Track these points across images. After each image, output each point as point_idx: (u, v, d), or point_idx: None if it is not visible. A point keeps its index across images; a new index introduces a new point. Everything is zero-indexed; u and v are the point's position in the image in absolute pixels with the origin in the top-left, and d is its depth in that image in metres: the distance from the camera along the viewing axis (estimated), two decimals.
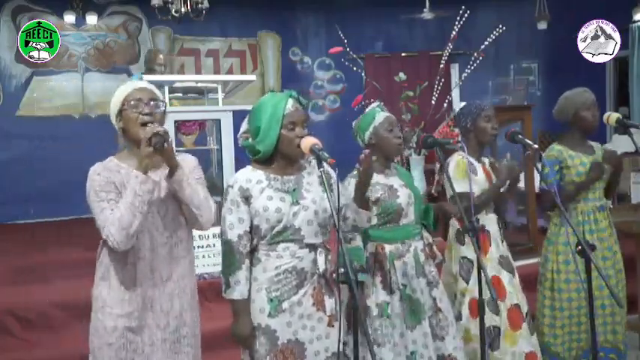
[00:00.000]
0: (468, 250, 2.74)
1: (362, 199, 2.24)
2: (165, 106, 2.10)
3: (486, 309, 2.42)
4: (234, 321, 2.08)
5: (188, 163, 2.12)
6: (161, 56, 4.94)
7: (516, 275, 2.85)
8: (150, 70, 4.91)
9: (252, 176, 2.09)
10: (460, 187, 2.61)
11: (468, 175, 2.66)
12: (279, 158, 2.11)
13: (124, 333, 1.98)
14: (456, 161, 2.75)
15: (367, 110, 2.60)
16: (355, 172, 2.46)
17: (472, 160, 2.80)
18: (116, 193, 1.95)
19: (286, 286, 2.06)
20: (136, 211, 1.88)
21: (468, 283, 2.74)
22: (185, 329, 2.09)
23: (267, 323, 2.05)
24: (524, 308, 2.80)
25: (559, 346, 2.99)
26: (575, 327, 2.95)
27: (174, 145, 2.31)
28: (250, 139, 2.13)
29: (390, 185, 2.49)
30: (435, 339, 2.47)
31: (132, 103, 1.98)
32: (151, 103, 2.00)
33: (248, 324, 2.05)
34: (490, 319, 2.63)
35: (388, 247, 2.47)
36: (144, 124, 1.95)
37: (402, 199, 2.48)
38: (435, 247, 2.61)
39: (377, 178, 2.47)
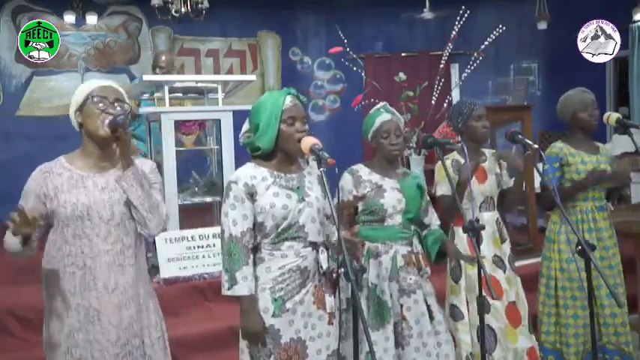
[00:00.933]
0: (458, 247, 2.74)
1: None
2: (131, 109, 2.04)
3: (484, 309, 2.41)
4: (244, 318, 2.04)
5: (146, 166, 2.06)
6: (163, 58, 4.94)
7: (517, 277, 2.86)
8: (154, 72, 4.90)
9: (256, 173, 2.09)
10: (440, 190, 2.77)
11: (446, 177, 2.66)
12: (279, 155, 2.11)
13: (70, 349, 1.88)
14: (437, 166, 2.83)
15: (372, 111, 2.61)
16: (351, 168, 2.52)
17: (461, 160, 2.80)
18: (33, 205, 1.86)
19: (290, 285, 2.06)
20: (16, 254, 1.83)
21: (457, 281, 2.76)
22: (136, 340, 1.96)
23: (270, 323, 2.04)
24: (524, 306, 2.80)
25: (564, 346, 2.99)
26: (581, 329, 2.94)
27: (136, 143, 2.21)
28: (251, 137, 2.13)
29: (380, 185, 2.50)
30: (397, 346, 2.45)
31: (95, 99, 1.92)
32: (116, 103, 1.94)
33: (259, 320, 2.02)
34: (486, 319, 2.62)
35: (368, 245, 2.48)
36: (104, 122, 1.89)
37: (386, 201, 2.47)
38: (421, 258, 2.56)
39: (372, 176, 2.52)
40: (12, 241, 1.80)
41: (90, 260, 1.89)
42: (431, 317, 2.52)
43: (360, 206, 2.49)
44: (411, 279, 2.49)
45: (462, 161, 2.80)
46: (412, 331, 2.45)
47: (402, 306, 2.47)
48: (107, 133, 1.88)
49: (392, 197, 2.49)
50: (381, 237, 2.49)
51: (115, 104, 1.94)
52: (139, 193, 1.91)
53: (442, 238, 2.61)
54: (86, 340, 1.88)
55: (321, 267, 2.10)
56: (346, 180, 2.51)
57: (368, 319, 2.43)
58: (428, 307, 2.52)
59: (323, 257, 2.11)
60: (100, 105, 1.91)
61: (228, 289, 2.02)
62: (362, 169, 2.55)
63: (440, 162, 2.65)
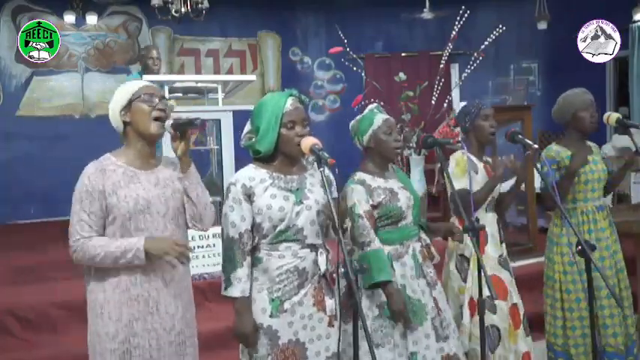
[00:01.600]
0: (465, 248, 2.76)
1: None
2: (172, 108, 2.13)
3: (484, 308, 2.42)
4: (236, 319, 2.05)
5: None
6: (154, 51, 4.94)
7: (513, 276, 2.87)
8: (145, 66, 4.89)
9: (255, 174, 2.09)
10: (459, 184, 2.66)
11: (467, 172, 2.68)
12: (280, 157, 2.11)
13: (127, 338, 1.94)
14: (457, 159, 2.77)
15: (365, 112, 2.57)
16: (355, 178, 2.48)
17: (473, 158, 2.81)
18: (99, 205, 1.91)
19: (288, 286, 2.05)
20: (110, 263, 1.90)
21: (465, 281, 2.75)
22: (188, 330, 2.08)
23: (268, 324, 2.04)
24: (522, 309, 2.81)
25: (572, 348, 2.98)
26: (588, 329, 2.92)
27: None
28: (252, 139, 2.13)
29: (391, 189, 2.47)
30: (438, 340, 2.45)
31: (144, 97, 1.98)
32: (163, 100, 2.02)
33: (250, 322, 2.03)
34: (490, 318, 2.63)
35: (387, 249, 2.46)
36: (157, 119, 1.97)
37: (402, 202, 2.46)
38: (432, 248, 2.59)
39: (377, 182, 2.47)
40: (122, 256, 1.89)
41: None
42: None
43: (376, 214, 2.44)
44: (431, 272, 2.54)
45: (473, 159, 2.80)
46: (448, 320, 2.51)
47: (435, 299, 2.49)
48: (165, 131, 1.96)
49: (404, 197, 2.48)
50: (397, 239, 2.47)
51: (163, 100, 2.01)
52: (198, 191, 2.02)
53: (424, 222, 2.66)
54: (145, 329, 1.95)
55: (319, 269, 2.10)
56: (359, 192, 2.43)
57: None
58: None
59: (322, 259, 2.10)
60: (149, 102, 1.97)
61: (224, 289, 2.05)
62: (366, 177, 2.48)
63: (460, 156, 2.68)
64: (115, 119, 2.02)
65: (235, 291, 2.02)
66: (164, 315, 1.99)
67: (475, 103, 2.84)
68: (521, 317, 2.76)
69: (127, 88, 2.01)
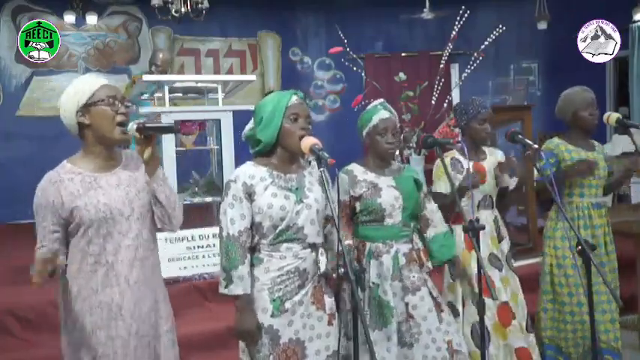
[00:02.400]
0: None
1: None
2: (133, 109, 2.07)
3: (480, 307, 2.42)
4: (237, 317, 2.04)
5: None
6: (160, 56, 4.94)
7: (515, 277, 2.86)
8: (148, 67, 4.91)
9: (255, 172, 2.08)
10: (436, 187, 2.79)
11: (445, 175, 2.68)
12: (279, 152, 2.11)
13: (93, 347, 1.87)
14: (436, 163, 2.84)
15: (369, 107, 2.57)
16: (345, 167, 2.50)
17: (461, 158, 2.81)
18: (51, 220, 1.84)
19: (289, 286, 2.05)
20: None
21: (453, 279, 2.77)
22: (152, 331, 1.99)
23: (269, 323, 2.04)
24: (522, 306, 2.81)
25: (562, 341, 3.00)
26: (578, 324, 2.95)
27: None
28: (253, 130, 2.13)
29: (375, 184, 2.47)
30: (403, 345, 2.40)
31: (107, 99, 1.86)
32: (124, 102, 1.92)
33: (253, 319, 2.02)
34: (476, 315, 2.63)
35: (369, 245, 2.47)
36: (120, 124, 1.87)
37: (384, 199, 2.44)
38: (422, 254, 2.54)
39: (367, 175, 2.49)
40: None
41: (112, 256, 1.89)
42: (440, 310, 2.50)
43: (358, 207, 2.47)
44: (414, 276, 2.46)
45: (462, 160, 2.81)
46: (420, 328, 2.41)
47: (407, 304, 2.43)
48: (131, 136, 1.86)
49: (389, 195, 2.46)
50: (381, 236, 2.48)
51: (124, 103, 1.91)
52: (166, 192, 1.95)
53: (450, 247, 2.58)
54: (108, 337, 1.88)
55: (320, 269, 2.10)
56: (342, 180, 2.47)
57: (370, 320, 2.42)
58: (434, 299, 2.50)
59: (322, 259, 2.11)
60: (112, 105, 1.86)
61: (225, 287, 2.03)
62: (356, 169, 2.52)
63: (439, 160, 2.65)
64: (69, 120, 1.87)
65: (237, 289, 2.01)
66: (128, 319, 1.90)
67: (475, 105, 2.83)
68: (514, 315, 2.75)
69: (84, 86, 1.87)
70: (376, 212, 2.45)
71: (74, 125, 1.88)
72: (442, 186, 2.77)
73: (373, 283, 2.44)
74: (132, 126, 1.86)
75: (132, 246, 1.92)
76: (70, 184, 1.86)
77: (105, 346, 1.87)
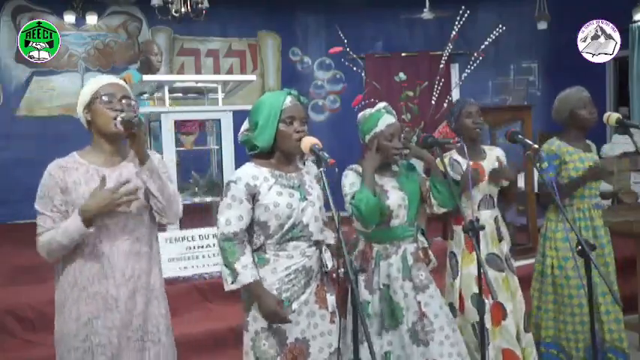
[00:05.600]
0: (455, 246, 2.80)
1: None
2: (137, 106, 2.08)
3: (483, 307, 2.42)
4: (260, 303, 2.01)
5: (155, 157, 2.08)
6: (155, 46, 4.93)
7: (514, 276, 2.87)
8: (146, 61, 4.88)
9: (257, 173, 2.08)
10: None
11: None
12: (277, 154, 2.11)
13: (88, 336, 1.91)
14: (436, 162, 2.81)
15: (373, 111, 2.55)
16: (352, 166, 2.49)
17: (459, 158, 2.82)
18: (60, 200, 1.92)
19: (296, 286, 2.06)
20: (64, 249, 1.89)
21: (454, 278, 2.78)
22: (149, 325, 2.01)
23: (277, 324, 2.04)
24: (519, 307, 2.81)
25: (564, 341, 3.00)
26: (579, 326, 2.95)
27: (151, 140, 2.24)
28: (249, 135, 2.13)
29: (381, 186, 2.47)
30: (419, 344, 2.40)
31: (104, 97, 1.95)
32: (123, 100, 1.98)
33: (272, 299, 2.00)
34: (475, 315, 2.63)
35: (376, 247, 2.46)
36: (114, 119, 1.92)
37: (391, 201, 2.44)
38: (430, 252, 2.56)
39: None
40: (64, 235, 1.86)
41: (108, 249, 1.94)
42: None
43: None
44: (422, 275, 2.48)
45: (460, 160, 2.82)
46: (434, 326, 2.42)
47: (419, 303, 2.44)
48: (119, 130, 1.91)
49: (396, 196, 2.46)
50: (388, 238, 2.48)
51: (123, 101, 1.97)
52: (158, 184, 1.97)
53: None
54: (105, 327, 1.92)
55: (326, 266, 2.10)
56: (351, 176, 2.45)
57: (384, 321, 2.42)
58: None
59: (327, 256, 2.11)
60: (109, 103, 1.95)
61: (232, 282, 2.01)
62: (361, 170, 2.50)
63: (438, 159, 2.66)
64: (81, 117, 2.02)
65: (246, 277, 1.99)
66: (123, 311, 1.95)
67: (460, 101, 2.86)
68: (505, 315, 2.75)
69: (91, 85, 2.00)
70: (384, 214, 2.44)
71: (85, 122, 2.02)
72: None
73: (383, 284, 2.44)
74: (118, 120, 1.91)
75: (128, 240, 1.97)
76: (74, 172, 1.95)
77: (101, 335, 1.92)
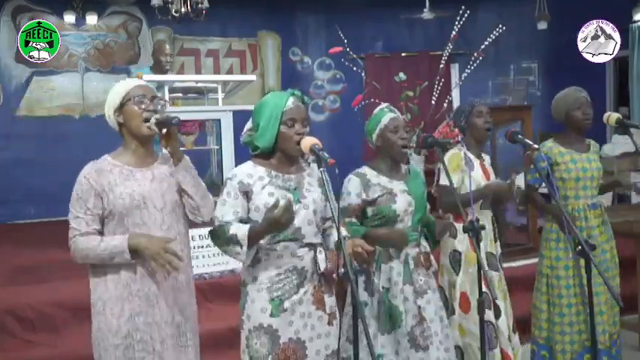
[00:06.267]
0: (459, 244, 2.79)
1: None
2: (166, 106, 2.13)
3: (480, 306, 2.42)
4: (268, 223, 1.93)
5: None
6: (167, 46, 4.95)
7: (503, 276, 2.88)
8: (157, 62, 4.89)
9: (253, 172, 2.09)
10: (445, 180, 2.66)
11: (460, 169, 2.71)
12: (278, 155, 2.12)
13: (130, 333, 1.95)
14: (451, 154, 2.80)
15: (375, 111, 2.55)
16: (357, 170, 2.47)
17: (471, 155, 2.82)
18: (94, 203, 1.95)
19: (287, 285, 2.06)
20: (98, 262, 1.94)
21: (457, 275, 2.77)
22: (188, 323, 2.09)
23: (269, 323, 2.04)
24: (508, 307, 2.84)
25: (552, 343, 2.99)
26: (567, 327, 2.93)
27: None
28: (251, 135, 2.14)
29: (390, 189, 2.44)
30: (417, 349, 2.39)
31: (135, 98, 2.00)
32: (154, 100, 2.03)
33: (271, 213, 1.92)
34: (486, 314, 2.63)
35: (378, 250, 2.44)
36: (146, 120, 1.98)
37: (398, 205, 2.42)
38: (431, 256, 2.56)
39: (380, 179, 2.45)
40: (105, 251, 1.91)
41: None
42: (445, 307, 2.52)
43: (370, 211, 2.43)
44: (421, 280, 2.46)
45: (472, 157, 2.82)
46: (431, 331, 2.42)
47: (419, 307, 2.43)
48: (153, 130, 1.97)
49: (403, 201, 2.44)
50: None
51: (154, 101, 2.02)
52: (192, 183, 2.04)
53: (432, 222, 2.60)
54: (146, 323, 1.97)
55: (319, 268, 2.10)
56: (354, 183, 2.43)
57: (380, 324, 2.42)
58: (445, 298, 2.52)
59: (321, 258, 2.11)
60: (141, 104, 1.99)
61: (242, 246, 1.97)
62: (369, 172, 2.47)
63: (453, 150, 2.66)
64: (111, 120, 2.05)
65: (241, 231, 1.97)
66: (164, 308, 2.00)
67: (469, 101, 2.90)
68: (499, 314, 2.75)
69: (119, 88, 2.04)
70: (389, 218, 2.43)
71: (115, 125, 2.05)
72: (453, 179, 2.62)
73: (383, 287, 2.43)
74: (152, 121, 1.97)
75: (166, 237, 2.00)
76: (110, 174, 1.99)
77: (143, 331, 1.97)
